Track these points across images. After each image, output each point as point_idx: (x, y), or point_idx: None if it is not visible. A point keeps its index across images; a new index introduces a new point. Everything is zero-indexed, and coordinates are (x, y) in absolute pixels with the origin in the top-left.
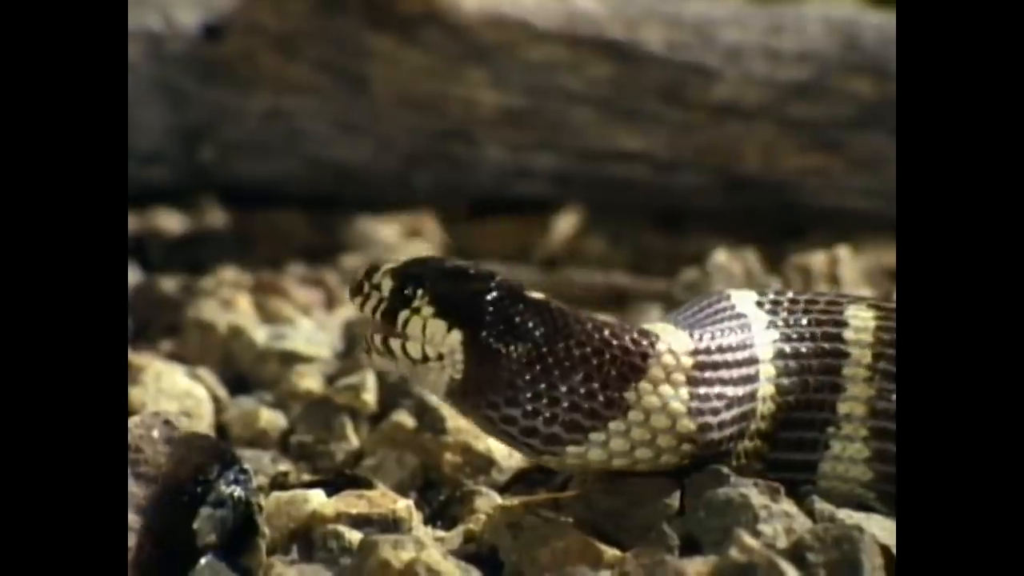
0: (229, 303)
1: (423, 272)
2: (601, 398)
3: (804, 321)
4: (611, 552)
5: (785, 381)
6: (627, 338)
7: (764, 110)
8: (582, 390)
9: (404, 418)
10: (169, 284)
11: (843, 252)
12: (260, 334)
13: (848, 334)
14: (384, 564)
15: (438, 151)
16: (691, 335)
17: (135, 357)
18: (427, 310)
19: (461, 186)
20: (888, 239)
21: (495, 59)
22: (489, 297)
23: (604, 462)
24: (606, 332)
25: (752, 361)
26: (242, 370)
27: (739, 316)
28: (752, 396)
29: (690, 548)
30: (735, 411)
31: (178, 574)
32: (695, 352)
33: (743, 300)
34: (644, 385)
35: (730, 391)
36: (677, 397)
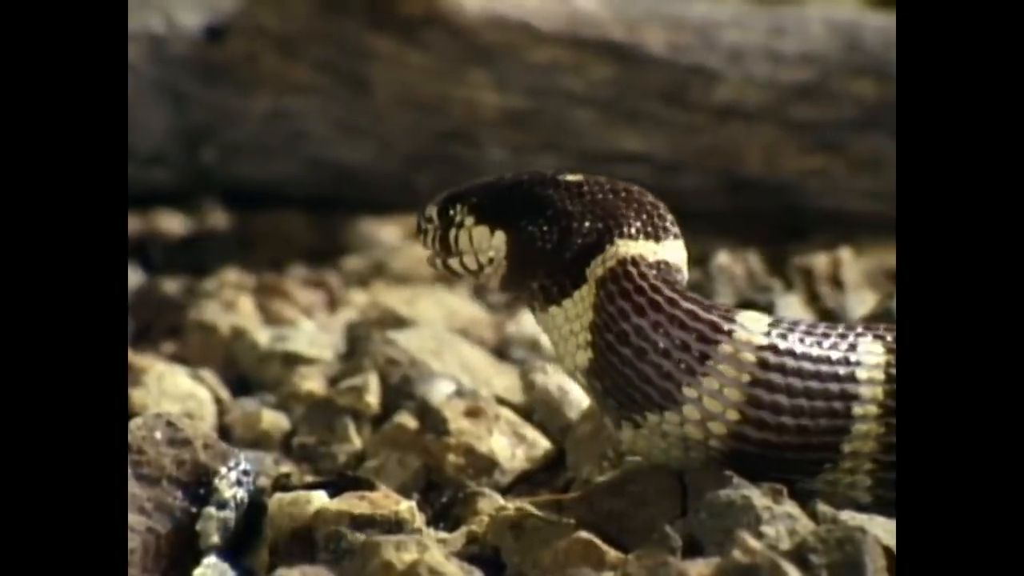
0: (231, 305)
1: (460, 192)
2: (559, 276)
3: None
4: (613, 553)
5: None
6: (583, 239)
7: (766, 112)
8: (551, 262)
9: (406, 419)
10: (171, 286)
11: (845, 254)
12: (262, 336)
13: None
14: (386, 565)
15: (440, 152)
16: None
17: (137, 359)
18: (468, 221)
19: None
20: (890, 241)
21: (497, 60)
22: (517, 190)
23: (554, 342)
24: (579, 220)
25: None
26: (244, 372)
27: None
28: None
29: (692, 550)
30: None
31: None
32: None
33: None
34: (577, 292)
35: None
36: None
